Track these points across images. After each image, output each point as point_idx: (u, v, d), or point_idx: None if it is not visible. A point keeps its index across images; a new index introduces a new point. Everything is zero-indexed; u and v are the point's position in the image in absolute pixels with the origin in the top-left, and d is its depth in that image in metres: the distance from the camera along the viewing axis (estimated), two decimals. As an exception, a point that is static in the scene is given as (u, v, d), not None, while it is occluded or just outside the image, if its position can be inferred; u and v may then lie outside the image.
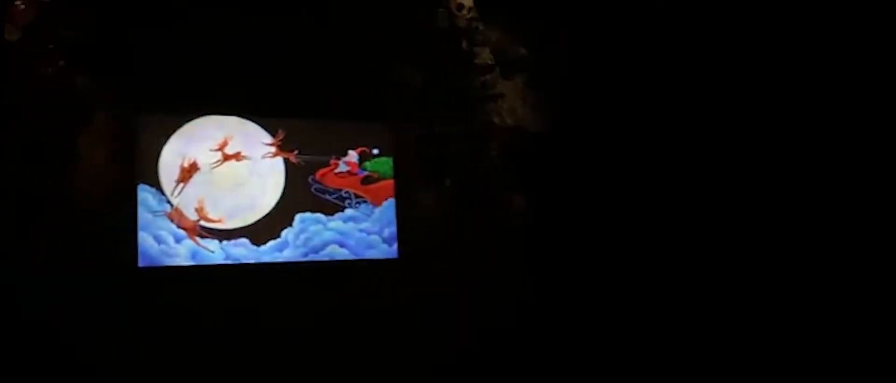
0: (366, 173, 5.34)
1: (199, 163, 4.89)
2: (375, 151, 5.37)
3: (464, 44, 5.44)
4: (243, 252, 4.94)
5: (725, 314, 5.04)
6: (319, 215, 5.18)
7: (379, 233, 5.32)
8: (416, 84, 5.43)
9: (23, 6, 4.42)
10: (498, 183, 5.53)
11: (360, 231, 5.28)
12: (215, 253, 4.87)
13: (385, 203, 5.36)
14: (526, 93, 5.66)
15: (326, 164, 5.24)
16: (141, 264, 4.69)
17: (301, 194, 5.15)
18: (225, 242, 4.90)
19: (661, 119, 5.52)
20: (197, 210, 4.85)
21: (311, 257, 5.11)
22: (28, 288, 4.33)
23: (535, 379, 5.14)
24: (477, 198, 5.45)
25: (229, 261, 4.89)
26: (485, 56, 5.47)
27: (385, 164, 5.39)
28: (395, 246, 5.33)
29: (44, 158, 4.49)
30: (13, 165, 4.42)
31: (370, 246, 5.29)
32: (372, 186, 5.34)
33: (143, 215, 4.73)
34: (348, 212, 5.26)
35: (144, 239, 4.72)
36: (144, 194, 4.76)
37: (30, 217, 4.44)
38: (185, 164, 4.85)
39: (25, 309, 4.30)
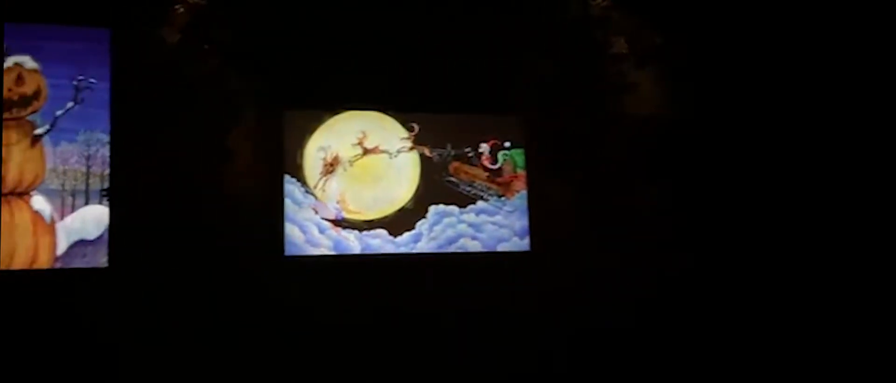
0: (498, 166, 5.36)
1: (341, 157, 5.08)
2: (507, 144, 5.39)
3: (598, 33, 5.32)
4: (380, 243, 5.10)
5: (872, 312, 4.74)
6: (453, 207, 5.27)
7: (511, 226, 5.34)
8: (548, 75, 5.38)
9: (181, 10, 4.71)
10: (631, 174, 5.39)
11: (492, 223, 5.32)
12: (354, 243, 5.06)
13: (517, 195, 5.37)
14: (661, 82, 5.46)
15: (459, 158, 5.31)
16: (287, 253, 4.94)
17: (435, 187, 5.25)
18: (364, 233, 5.08)
19: (800, 107, 5.23)
20: (339, 202, 5.05)
21: (445, 249, 5.21)
22: (189, 276, 4.64)
23: (665, 379, 5.02)
24: (610, 190, 5.35)
25: (368, 252, 5.07)
26: (619, 45, 5.33)
27: (517, 157, 5.39)
28: (527, 239, 5.34)
29: (199, 152, 4.78)
30: (171, 158, 4.72)
31: (502, 239, 5.32)
32: (504, 179, 5.37)
33: (289, 206, 4.97)
34: (480, 204, 5.32)
35: (290, 229, 4.97)
36: (290, 187, 4.99)
37: (186, 208, 4.73)
38: (328, 158, 5.06)
39: (183, 292, 4.61)
